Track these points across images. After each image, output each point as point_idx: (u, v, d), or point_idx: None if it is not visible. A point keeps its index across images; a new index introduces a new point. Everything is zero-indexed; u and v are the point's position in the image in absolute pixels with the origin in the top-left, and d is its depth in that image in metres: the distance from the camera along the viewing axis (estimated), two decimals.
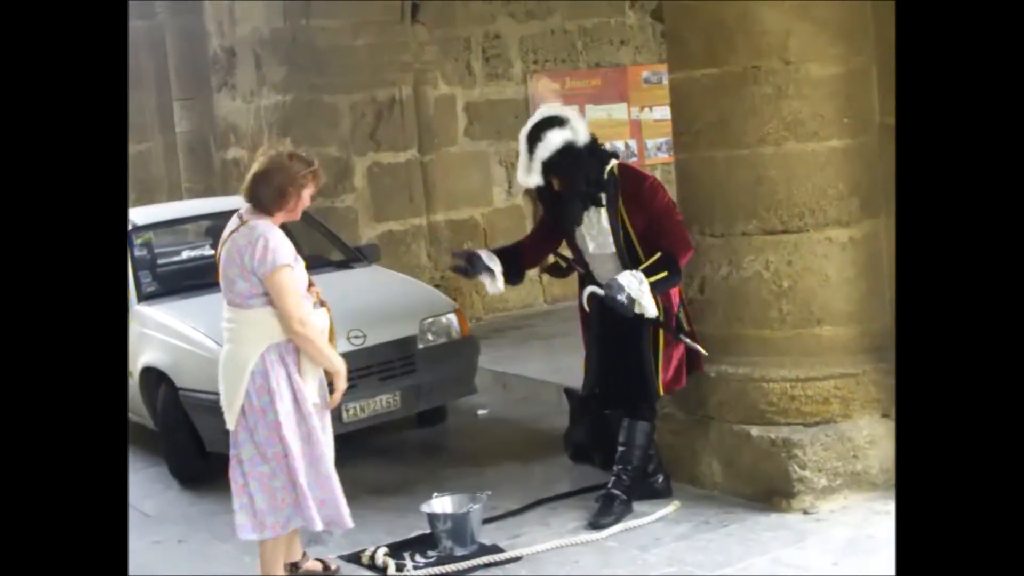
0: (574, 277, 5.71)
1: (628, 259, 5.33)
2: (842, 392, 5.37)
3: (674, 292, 5.41)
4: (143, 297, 7.14)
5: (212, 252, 6.76)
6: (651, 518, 5.34)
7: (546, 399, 7.60)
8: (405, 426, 7.39)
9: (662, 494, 5.59)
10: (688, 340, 5.45)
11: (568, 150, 5.22)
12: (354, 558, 5.22)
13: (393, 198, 10.20)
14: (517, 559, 5.05)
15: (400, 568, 5.05)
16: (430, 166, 10.41)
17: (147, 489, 6.71)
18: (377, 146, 10.11)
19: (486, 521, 5.35)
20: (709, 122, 5.51)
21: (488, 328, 9.87)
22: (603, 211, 5.32)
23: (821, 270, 5.40)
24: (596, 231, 5.37)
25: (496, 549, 5.15)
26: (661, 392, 5.46)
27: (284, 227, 4.74)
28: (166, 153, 12.52)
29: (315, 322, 4.67)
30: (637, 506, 5.43)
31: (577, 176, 5.25)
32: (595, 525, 5.30)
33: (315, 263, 7.66)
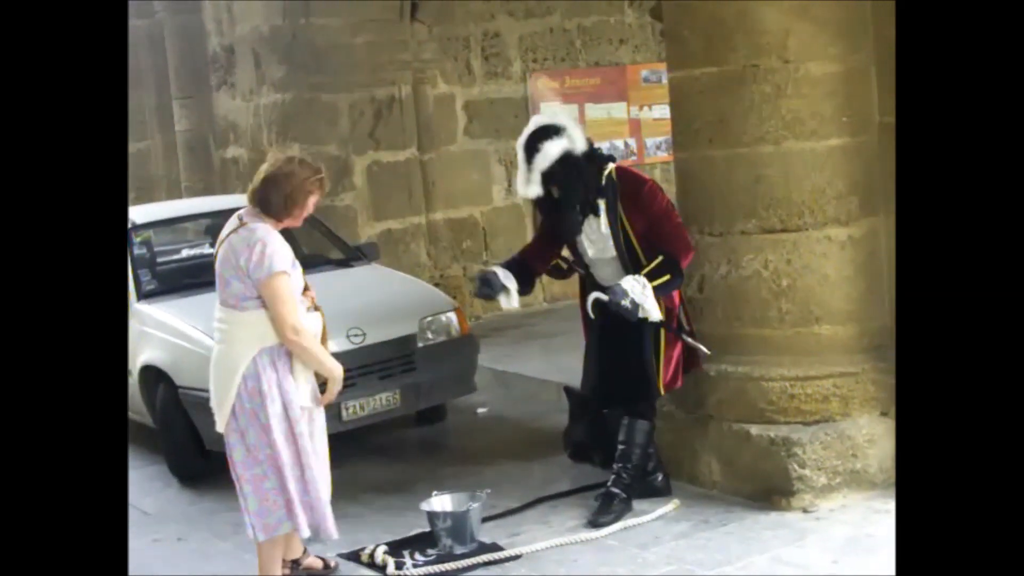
0: (575, 276, 5.72)
1: (630, 262, 5.34)
2: (841, 391, 5.37)
3: (675, 291, 5.42)
4: (142, 295, 7.14)
5: (211, 251, 6.75)
6: (651, 517, 5.34)
7: (545, 398, 7.60)
8: (404, 424, 7.39)
9: (661, 493, 5.59)
10: (690, 339, 5.47)
11: (566, 159, 5.20)
12: (354, 556, 5.22)
13: (392, 197, 10.20)
14: (516, 557, 5.05)
15: (400, 566, 5.05)
16: (429, 165, 10.41)
17: (146, 487, 6.71)
18: (376, 145, 10.11)
19: (486, 519, 5.36)
20: (708, 121, 5.51)
21: (488, 327, 9.87)
22: (603, 216, 5.32)
23: (820, 269, 5.40)
24: (596, 236, 5.38)
25: (496, 547, 5.15)
26: (662, 391, 5.47)
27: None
28: (165, 152, 12.52)
29: (309, 326, 4.64)
30: (636, 505, 5.43)
31: (577, 184, 5.24)
32: (595, 523, 5.30)
33: (314, 262, 7.70)
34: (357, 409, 6.57)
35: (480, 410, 7.78)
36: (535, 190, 5.24)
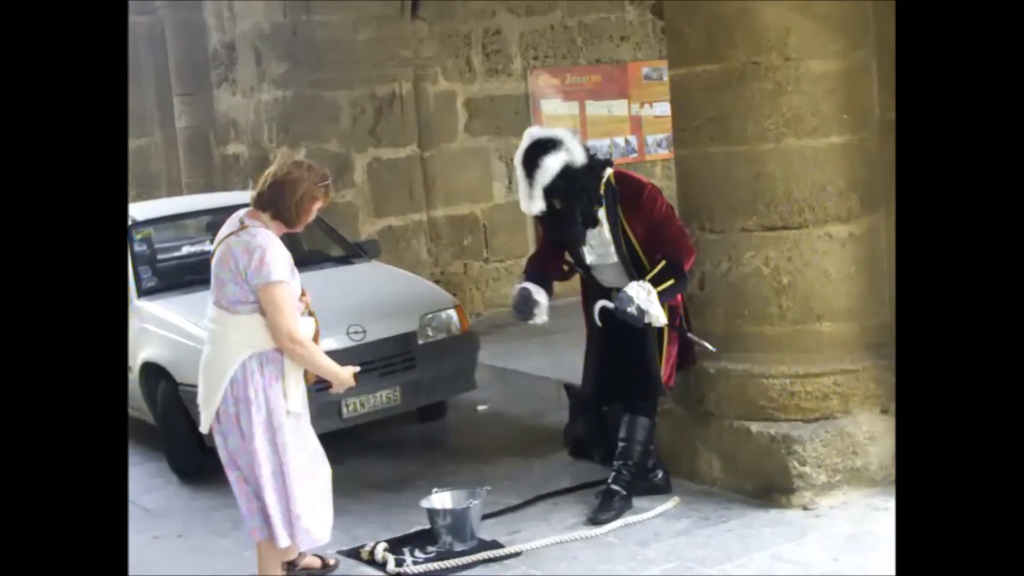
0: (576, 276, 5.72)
1: (632, 266, 5.35)
2: (842, 388, 5.37)
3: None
4: (143, 292, 7.14)
5: (212, 248, 6.74)
6: (651, 514, 5.35)
7: (546, 395, 7.60)
8: (405, 422, 7.39)
9: (662, 490, 5.59)
10: (695, 337, 5.48)
11: (567, 172, 5.17)
12: (354, 553, 5.23)
13: (393, 194, 10.20)
14: (517, 555, 5.05)
15: (400, 563, 5.05)
16: (430, 162, 10.41)
17: (147, 484, 6.72)
18: (377, 142, 10.11)
19: (486, 517, 5.36)
20: (709, 118, 5.51)
21: (488, 324, 9.87)
22: (604, 224, 5.32)
23: (821, 266, 5.40)
24: (597, 242, 5.38)
25: (496, 545, 5.15)
26: (667, 389, 5.50)
27: None
28: (166, 148, 12.50)
29: (302, 331, 4.57)
30: (637, 502, 5.43)
31: (579, 196, 5.23)
32: (595, 521, 5.30)
33: (315, 259, 7.72)
34: (357, 406, 6.58)
35: (480, 407, 7.78)
36: (538, 205, 5.21)
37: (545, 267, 5.61)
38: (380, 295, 7.24)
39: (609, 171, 5.37)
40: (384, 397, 6.71)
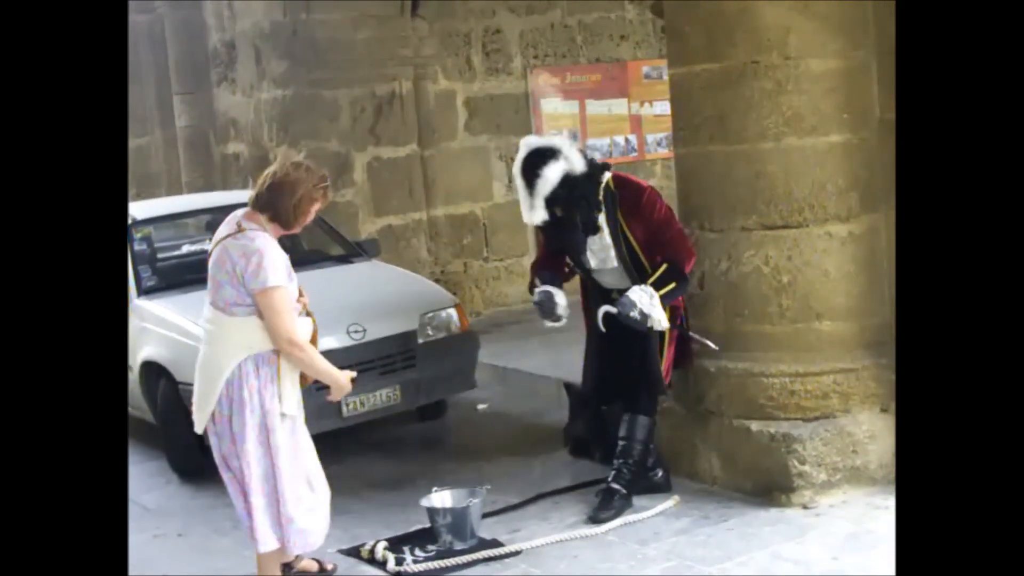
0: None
1: (633, 269, 5.36)
2: (841, 387, 5.37)
3: None
4: (143, 291, 7.14)
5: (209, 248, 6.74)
6: (651, 513, 5.35)
7: (546, 394, 7.60)
8: (405, 421, 7.39)
9: (662, 489, 5.59)
10: (698, 336, 5.49)
11: (567, 181, 5.17)
12: (354, 552, 5.23)
13: (393, 193, 10.20)
14: (517, 553, 5.05)
15: (400, 562, 5.05)
16: (430, 161, 10.41)
17: (147, 483, 6.72)
18: (377, 141, 10.11)
19: (486, 515, 5.36)
20: (709, 117, 5.51)
21: (488, 323, 9.88)
22: (604, 228, 5.32)
23: (820, 265, 5.40)
24: (598, 247, 5.38)
25: (496, 543, 5.15)
26: (667, 388, 5.51)
27: None
28: (166, 147, 12.51)
29: (299, 332, 4.56)
30: (637, 501, 5.43)
31: (579, 204, 5.23)
32: (595, 519, 5.31)
33: (315, 258, 7.72)
34: (357, 405, 6.58)
35: (480, 406, 7.78)
36: (540, 215, 5.21)
37: (554, 270, 5.60)
38: (380, 294, 7.24)
39: (607, 175, 5.37)
40: (384, 396, 6.71)
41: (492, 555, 5.04)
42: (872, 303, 5.48)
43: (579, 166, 5.22)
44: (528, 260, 10.27)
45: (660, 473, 5.65)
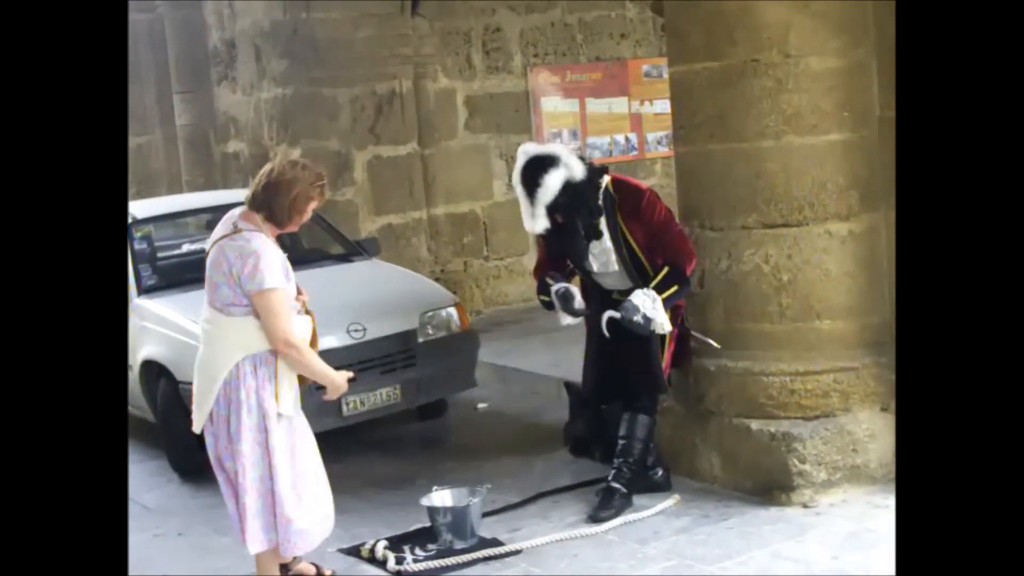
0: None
1: (635, 271, 5.36)
2: (841, 386, 5.37)
3: None
4: (143, 290, 7.14)
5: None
6: (651, 512, 5.35)
7: (546, 393, 7.61)
8: (405, 420, 7.39)
9: (662, 488, 5.59)
10: (700, 334, 5.49)
11: (567, 188, 5.17)
12: (354, 551, 5.23)
13: (393, 192, 10.20)
14: (517, 552, 5.05)
15: (400, 561, 5.05)
16: (430, 159, 10.41)
17: (147, 482, 6.72)
18: (377, 139, 10.11)
19: (486, 514, 5.36)
20: (709, 116, 5.50)
21: (488, 322, 9.88)
22: (604, 232, 5.32)
23: (821, 264, 5.40)
24: (599, 251, 5.38)
25: (496, 542, 5.15)
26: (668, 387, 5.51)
27: None
28: (166, 146, 12.50)
29: (298, 331, 4.55)
30: (637, 500, 5.43)
31: (581, 211, 5.23)
32: (595, 519, 5.30)
33: (315, 257, 7.72)
34: (357, 404, 6.58)
35: (480, 405, 7.78)
36: (542, 224, 5.21)
37: (558, 271, 5.57)
38: (380, 293, 7.24)
39: (606, 179, 5.37)
40: (384, 395, 6.71)
41: (492, 554, 5.04)
42: (872, 302, 5.48)
43: (579, 172, 5.21)
44: (528, 259, 10.30)
45: (660, 472, 5.65)
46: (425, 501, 5.28)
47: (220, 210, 6.25)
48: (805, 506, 5.23)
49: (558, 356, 7.89)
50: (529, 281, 10.39)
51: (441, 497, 5.30)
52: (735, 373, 5.51)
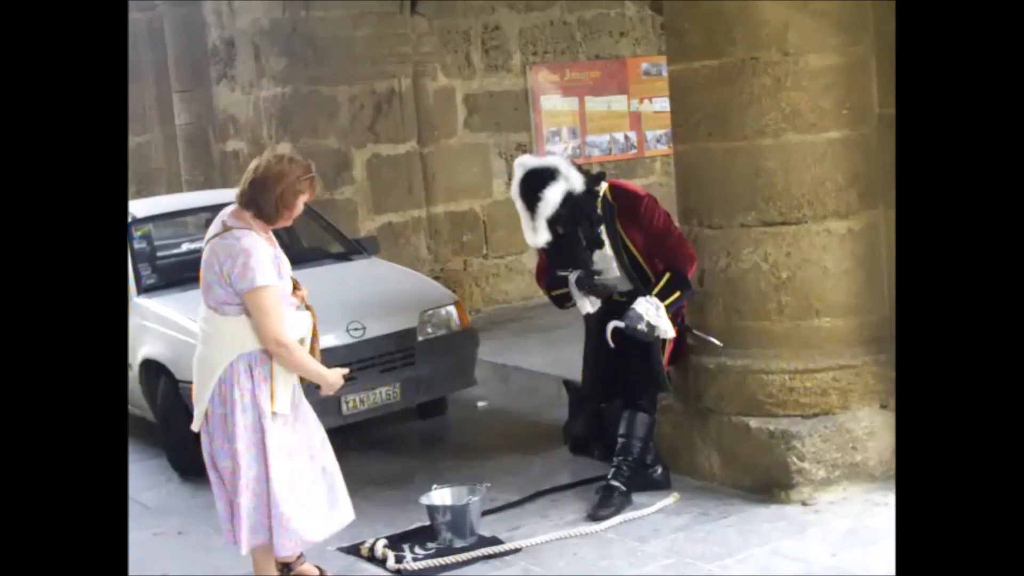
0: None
1: (635, 275, 5.38)
2: (841, 384, 5.37)
3: None
4: (143, 290, 7.14)
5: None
6: (650, 510, 5.35)
7: (545, 391, 7.60)
8: (405, 418, 7.39)
9: (661, 486, 5.60)
10: (701, 333, 5.49)
11: (568, 201, 5.16)
12: (353, 550, 5.23)
13: (392, 190, 10.20)
14: (516, 551, 5.05)
15: (399, 560, 5.05)
16: (429, 158, 10.41)
17: (147, 481, 6.72)
18: (376, 138, 10.11)
19: (485, 513, 5.36)
20: (708, 114, 5.51)
21: (487, 320, 9.88)
22: (604, 241, 5.33)
23: (820, 262, 5.40)
24: (599, 257, 5.38)
25: (495, 541, 5.16)
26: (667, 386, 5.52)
27: None
28: (165, 145, 12.50)
29: (297, 326, 4.54)
30: (636, 498, 5.44)
31: (582, 222, 5.23)
32: (594, 517, 5.31)
33: (314, 255, 7.71)
34: (357, 403, 6.58)
35: (480, 404, 7.78)
36: (543, 237, 5.19)
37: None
38: (380, 292, 7.24)
39: (604, 186, 5.37)
40: (384, 394, 6.71)
41: (492, 552, 5.05)
42: (871, 300, 5.48)
43: (578, 183, 5.20)
44: (527, 257, 10.30)
45: (660, 470, 5.65)
46: (424, 499, 5.29)
47: (219, 209, 6.25)
48: (804, 504, 5.24)
49: (558, 354, 7.89)
50: (529, 279, 10.43)
51: (440, 495, 5.30)
52: (734, 371, 5.51)
